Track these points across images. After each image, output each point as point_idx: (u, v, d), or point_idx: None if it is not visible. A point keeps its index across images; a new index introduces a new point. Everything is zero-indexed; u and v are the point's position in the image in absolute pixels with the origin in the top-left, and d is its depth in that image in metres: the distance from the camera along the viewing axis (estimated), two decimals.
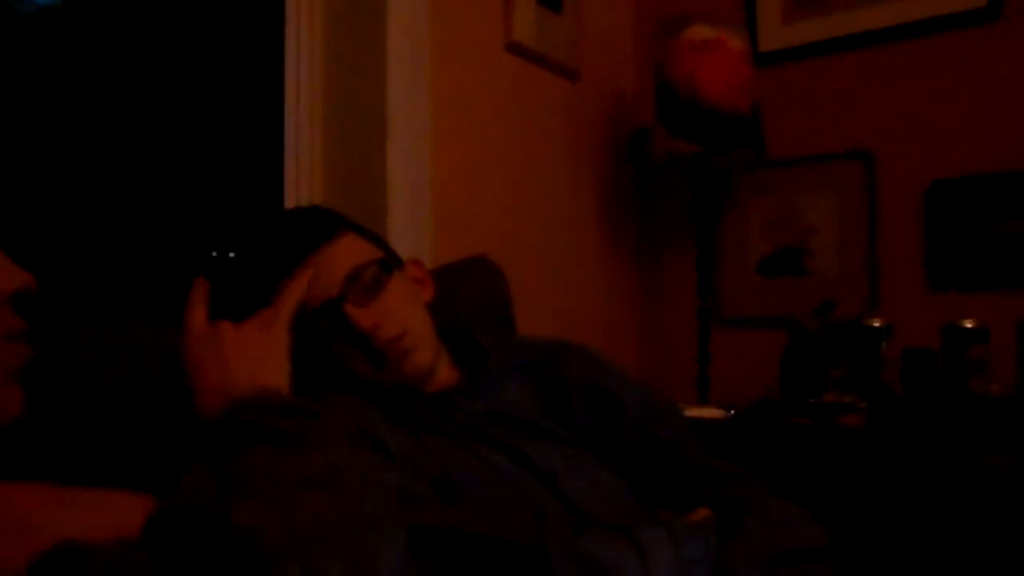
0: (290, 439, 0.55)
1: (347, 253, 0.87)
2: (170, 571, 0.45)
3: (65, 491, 0.52)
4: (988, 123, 1.65)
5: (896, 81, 1.76)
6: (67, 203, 1.28)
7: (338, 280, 0.84)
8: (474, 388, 0.92)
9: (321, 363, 0.91)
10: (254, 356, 0.74)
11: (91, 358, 0.83)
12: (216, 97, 1.48)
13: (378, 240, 0.95)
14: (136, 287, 1.32)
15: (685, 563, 0.72)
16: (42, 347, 0.61)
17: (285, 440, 0.54)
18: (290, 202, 1.41)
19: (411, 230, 1.36)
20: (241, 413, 0.60)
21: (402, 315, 0.87)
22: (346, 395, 0.88)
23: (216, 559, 0.45)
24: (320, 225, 0.89)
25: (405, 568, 0.55)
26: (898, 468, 1.23)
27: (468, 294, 1.17)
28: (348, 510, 0.50)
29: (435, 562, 0.72)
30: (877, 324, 1.51)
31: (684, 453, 0.91)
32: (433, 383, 0.92)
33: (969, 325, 1.38)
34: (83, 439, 0.80)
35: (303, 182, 1.40)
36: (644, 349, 2.08)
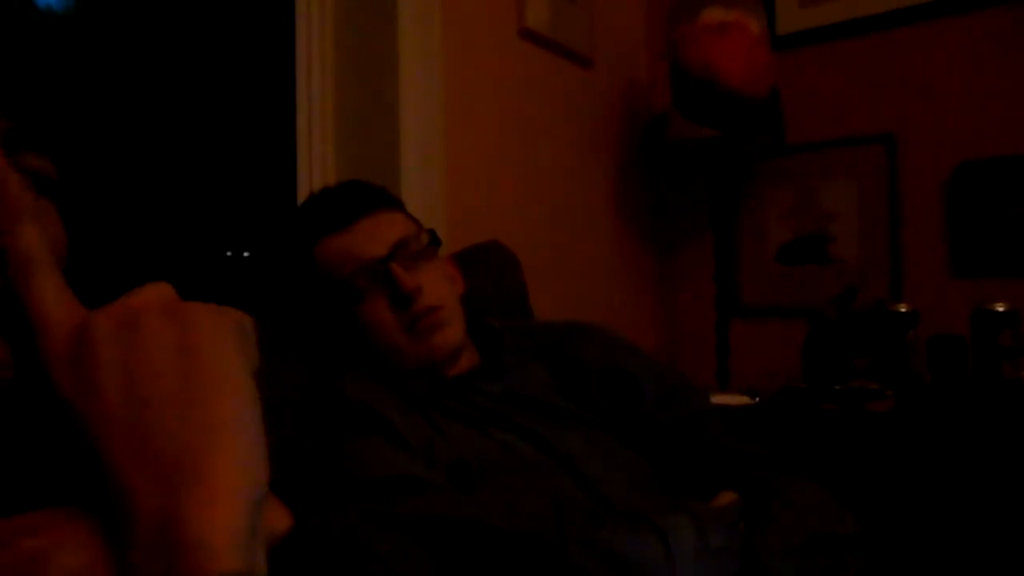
0: None
1: (398, 223, 0.91)
2: None
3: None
4: (1015, 104, 1.60)
5: (918, 62, 1.71)
6: (79, 201, 1.27)
7: (388, 243, 0.87)
8: (493, 371, 0.91)
9: (341, 340, 0.91)
10: None
11: None
12: (227, 87, 1.46)
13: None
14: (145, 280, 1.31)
15: (711, 551, 0.69)
16: None
17: None
18: (303, 192, 1.39)
19: (424, 217, 1.33)
20: None
21: (442, 290, 0.90)
22: (363, 380, 0.87)
23: None
24: (377, 194, 0.94)
25: None
26: (935, 453, 1.19)
27: (481, 280, 1.15)
28: None
29: (451, 555, 0.70)
30: (903, 310, 1.46)
31: (706, 434, 0.88)
32: (455, 367, 0.91)
33: (1000, 309, 1.33)
34: None
35: (316, 170, 1.39)
36: (661, 339, 2.05)
